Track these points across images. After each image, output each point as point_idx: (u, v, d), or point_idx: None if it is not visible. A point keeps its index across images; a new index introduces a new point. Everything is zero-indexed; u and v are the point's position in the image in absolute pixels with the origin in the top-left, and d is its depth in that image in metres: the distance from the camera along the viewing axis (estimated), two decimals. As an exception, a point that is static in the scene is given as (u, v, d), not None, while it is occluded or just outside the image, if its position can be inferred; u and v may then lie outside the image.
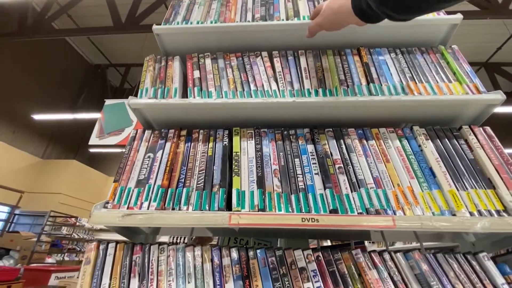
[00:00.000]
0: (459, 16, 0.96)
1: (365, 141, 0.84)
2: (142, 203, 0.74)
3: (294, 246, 0.71)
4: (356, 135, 0.85)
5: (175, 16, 1.13)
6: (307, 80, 0.93)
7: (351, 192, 0.73)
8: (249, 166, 0.80)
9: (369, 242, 2.49)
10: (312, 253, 0.69)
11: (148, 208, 0.73)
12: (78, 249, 6.62)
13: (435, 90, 0.87)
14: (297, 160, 0.80)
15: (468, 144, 0.81)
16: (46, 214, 6.02)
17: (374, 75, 0.93)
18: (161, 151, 0.85)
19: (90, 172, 8.00)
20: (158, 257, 0.69)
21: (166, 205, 0.73)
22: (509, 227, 0.62)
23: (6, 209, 5.98)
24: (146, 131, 0.90)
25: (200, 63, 1.02)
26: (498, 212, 0.67)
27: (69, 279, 4.21)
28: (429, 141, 0.82)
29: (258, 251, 0.69)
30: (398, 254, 0.67)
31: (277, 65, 0.98)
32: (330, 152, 0.81)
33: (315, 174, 0.76)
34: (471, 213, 0.67)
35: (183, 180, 0.79)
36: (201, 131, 0.91)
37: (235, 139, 0.86)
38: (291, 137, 0.86)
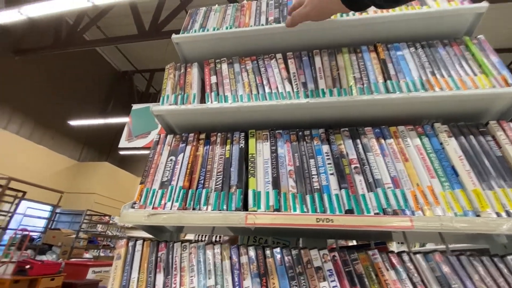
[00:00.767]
0: (485, 4, 0.91)
1: (382, 140, 0.82)
2: (165, 203, 0.79)
3: (312, 246, 0.72)
4: (373, 134, 0.84)
5: (192, 24, 1.18)
6: (322, 80, 0.93)
7: (368, 192, 0.72)
8: (265, 167, 0.82)
9: (397, 243, 2.40)
10: (328, 253, 0.70)
11: (171, 208, 0.78)
12: (112, 245, 7.07)
13: (458, 85, 0.84)
14: (312, 161, 0.80)
15: (496, 141, 0.76)
16: (83, 212, 6.51)
17: (392, 72, 0.91)
18: (182, 154, 0.90)
19: (121, 173, 8.51)
20: (181, 254, 0.74)
21: (187, 205, 0.78)
22: (541, 229, 0.58)
23: (49, 208, 6.55)
24: (168, 136, 0.96)
25: (216, 68, 1.05)
26: (529, 212, 0.63)
27: (104, 273, 4.52)
28: (452, 138, 0.79)
29: (275, 250, 0.72)
30: (418, 256, 0.66)
31: (291, 66, 0.99)
32: (346, 152, 0.81)
33: (330, 174, 0.77)
34: (498, 214, 0.64)
35: (202, 182, 0.83)
36: (219, 134, 0.94)
37: (251, 141, 0.89)
38: (306, 137, 0.87)
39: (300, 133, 0.88)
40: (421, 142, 0.79)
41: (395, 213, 0.68)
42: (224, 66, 1.05)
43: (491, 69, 0.84)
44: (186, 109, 0.94)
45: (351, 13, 1.01)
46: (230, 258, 0.72)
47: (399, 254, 0.67)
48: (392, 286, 0.61)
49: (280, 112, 0.92)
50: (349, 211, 0.69)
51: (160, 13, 5.32)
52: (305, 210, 0.71)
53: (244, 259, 0.71)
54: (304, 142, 0.85)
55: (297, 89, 0.92)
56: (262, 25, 1.08)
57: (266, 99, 0.92)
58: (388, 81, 0.88)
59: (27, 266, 3.01)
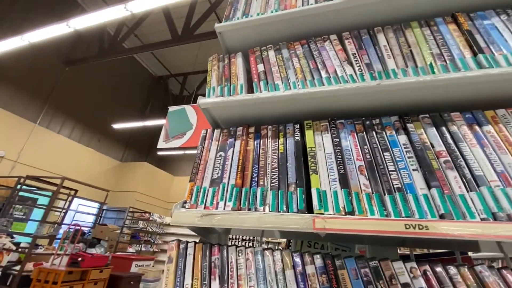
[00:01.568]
0: None
1: (477, 127, 0.66)
2: (218, 203, 0.72)
3: (380, 255, 0.60)
4: (463, 120, 0.68)
5: (234, 12, 1.11)
6: (390, 60, 0.79)
7: (468, 192, 0.57)
8: (328, 162, 0.71)
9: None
10: (416, 266, 0.56)
11: (224, 208, 0.70)
12: (152, 241, 7.44)
13: None
14: (387, 154, 0.67)
15: None
16: (126, 209, 6.92)
17: (482, 44, 0.74)
18: (231, 150, 0.82)
19: (159, 173, 8.91)
20: (236, 260, 0.66)
21: (241, 205, 0.70)
22: None
23: (97, 205, 7.09)
24: (216, 130, 0.89)
25: (263, 56, 0.96)
26: None
27: (146, 267, 4.74)
28: None
29: (346, 260, 0.60)
30: (549, 276, 0.50)
31: (350, 47, 0.86)
32: (430, 142, 0.66)
33: (413, 170, 0.63)
34: None
35: (256, 179, 0.74)
36: (269, 127, 0.85)
37: (308, 133, 0.78)
38: (375, 127, 0.73)
39: (368, 122, 0.75)
40: (534, 128, 0.62)
41: (510, 218, 0.53)
42: (271, 53, 0.96)
43: None
44: (234, 100, 0.86)
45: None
46: (294, 267, 0.62)
47: (519, 272, 0.51)
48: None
49: (340, 98, 0.80)
50: (446, 216, 0.55)
51: (192, 17, 5.44)
52: (385, 213, 0.59)
53: (310, 269, 0.61)
54: (374, 133, 0.72)
55: (361, 71, 0.79)
56: (311, 4, 0.97)
57: (323, 84, 0.81)
58: (480, 55, 0.71)
59: (79, 259, 3.23)
